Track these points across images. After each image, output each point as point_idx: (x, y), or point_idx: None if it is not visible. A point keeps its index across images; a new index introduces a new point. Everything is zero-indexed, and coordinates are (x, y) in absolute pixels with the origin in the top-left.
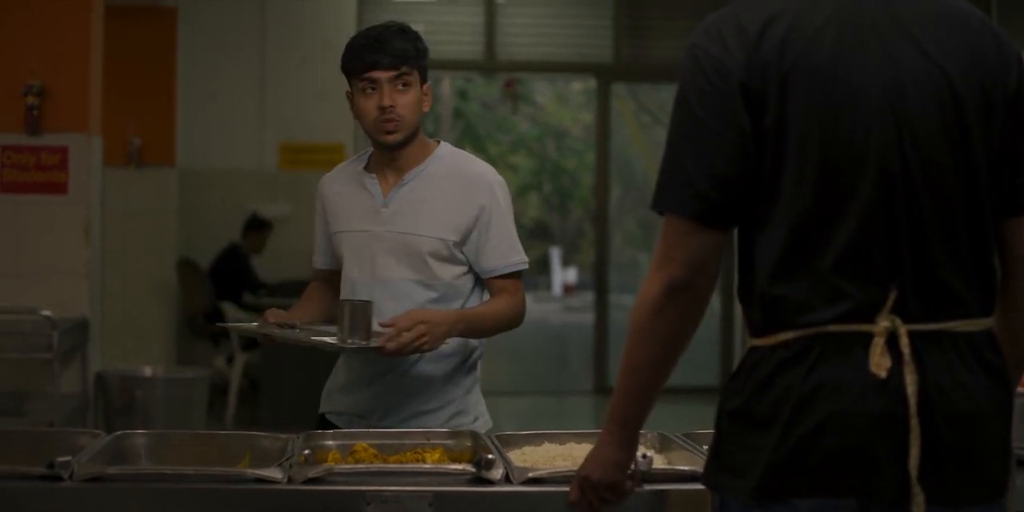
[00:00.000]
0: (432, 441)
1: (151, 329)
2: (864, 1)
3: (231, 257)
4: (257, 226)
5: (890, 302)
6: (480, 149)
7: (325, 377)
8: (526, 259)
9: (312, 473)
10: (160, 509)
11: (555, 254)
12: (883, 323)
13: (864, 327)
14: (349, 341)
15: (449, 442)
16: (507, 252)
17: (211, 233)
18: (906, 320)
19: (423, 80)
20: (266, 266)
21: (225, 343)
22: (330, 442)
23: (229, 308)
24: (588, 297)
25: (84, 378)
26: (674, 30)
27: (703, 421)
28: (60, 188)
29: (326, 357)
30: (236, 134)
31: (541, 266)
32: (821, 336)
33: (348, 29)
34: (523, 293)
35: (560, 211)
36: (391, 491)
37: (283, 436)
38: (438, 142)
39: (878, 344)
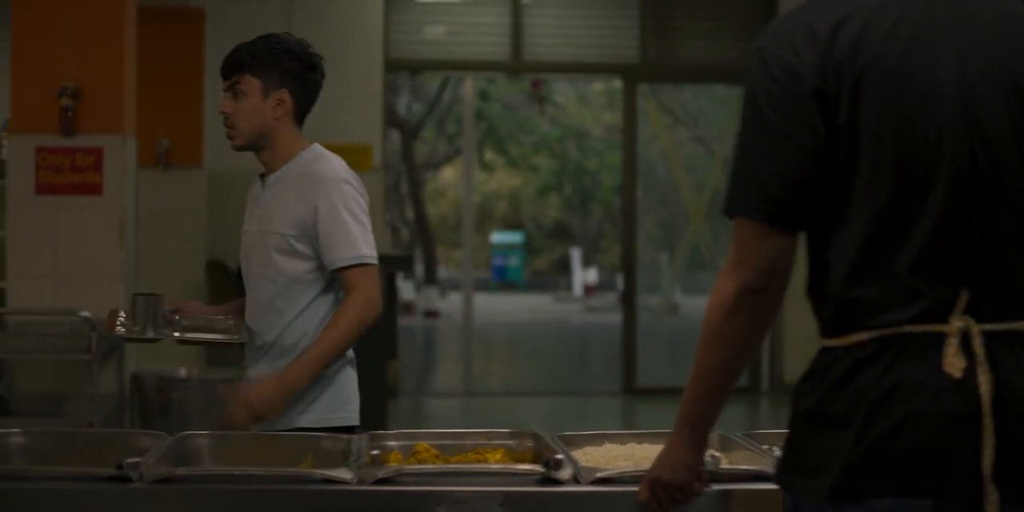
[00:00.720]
0: (493, 441)
1: None
2: (932, 1)
3: None
4: None
5: (963, 302)
6: (502, 150)
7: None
8: (365, 254)
9: (382, 474)
10: (229, 510)
11: (576, 255)
12: (957, 323)
13: (938, 327)
14: (134, 331)
15: (511, 443)
16: (343, 247)
17: (239, 235)
18: (978, 320)
19: (276, 86)
20: None
21: None
22: (392, 443)
23: None
24: (609, 297)
25: (120, 379)
26: (700, 30)
27: (733, 421)
28: (95, 189)
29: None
30: None
31: (561, 267)
32: (897, 337)
33: (375, 30)
34: (368, 284)
35: (581, 212)
36: (461, 491)
37: (344, 437)
38: (308, 145)
39: (952, 344)
